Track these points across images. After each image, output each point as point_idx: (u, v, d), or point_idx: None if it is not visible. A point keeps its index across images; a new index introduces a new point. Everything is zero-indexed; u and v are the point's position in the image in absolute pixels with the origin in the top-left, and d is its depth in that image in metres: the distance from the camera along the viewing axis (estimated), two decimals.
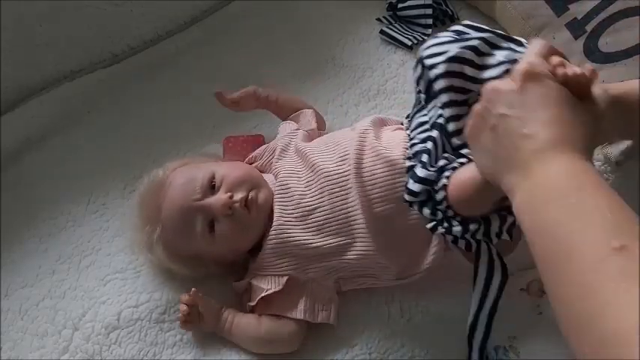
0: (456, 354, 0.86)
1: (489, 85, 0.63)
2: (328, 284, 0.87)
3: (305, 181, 0.87)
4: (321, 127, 1.00)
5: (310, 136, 0.95)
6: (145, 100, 1.13)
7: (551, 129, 0.57)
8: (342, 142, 0.87)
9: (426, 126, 0.79)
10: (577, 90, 0.60)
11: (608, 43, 1.00)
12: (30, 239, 1.00)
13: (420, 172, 0.75)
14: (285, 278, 0.85)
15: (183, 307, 0.86)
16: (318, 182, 0.85)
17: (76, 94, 1.15)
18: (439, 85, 0.72)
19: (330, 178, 0.85)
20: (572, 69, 0.60)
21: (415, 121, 0.81)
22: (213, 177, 0.87)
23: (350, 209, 0.83)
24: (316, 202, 0.85)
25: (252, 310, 0.88)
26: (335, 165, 0.85)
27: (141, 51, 1.20)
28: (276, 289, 0.85)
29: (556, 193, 0.54)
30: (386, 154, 0.82)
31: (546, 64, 0.62)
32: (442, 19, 1.17)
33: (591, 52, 1.01)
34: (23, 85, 1.13)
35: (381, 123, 0.90)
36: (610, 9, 1.00)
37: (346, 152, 0.85)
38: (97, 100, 1.14)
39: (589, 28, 1.01)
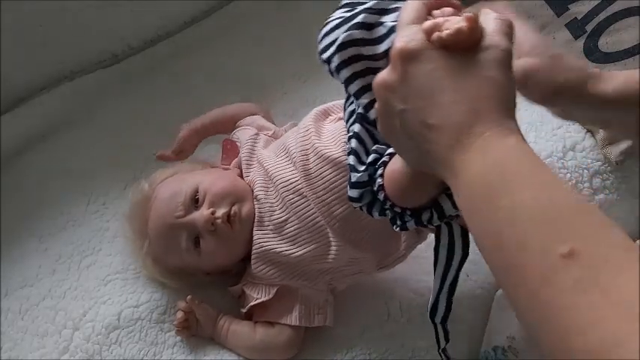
0: (457, 354, 0.86)
1: (376, 81, 0.54)
2: (320, 287, 0.86)
3: (272, 193, 0.85)
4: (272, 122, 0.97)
5: (275, 136, 0.93)
6: (145, 100, 1.13)
7: (456, 111, 0.49)
8: (290, 146, 0.84)
9: (355, 115, 0.72)
10: (463, 46, 0.50)
11: (608, 43, 1.00)
12: (30, 239, 1.00)
13: (352, 176, 0.69)
14: (276, 288, 0.85)
15: (180, 314, 0.86)
16: (280, 194, 0.84)
17: (76, 94, 1.14)
18: (343, 76, 0.65)
19: (287, 188, 0.83)
20: (446, 30, 0.50)
21: (347, 111, 0.74)
22: (196, 191, 0.86)
23: (314, 216, 0.81)
24: (284, 215, 0.83)
25: (247, 316, 0.88)
26: (289, 173, 0.83)
27: (141, 51, 1.20)
28: (266, 298, 0.85)
29: (484, 196, 0.47)
30: (328, 154, 0.79)
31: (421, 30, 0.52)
32: None
33: (591, 52, 1.01)
34: (23, 85, 1.13)
35: (323, 115, 0.85)
36: (610, 9, 1.00)
37: (294, 157, 0.83)
38: (97, 100, 1.14)
39: (589, 28, 1.01)
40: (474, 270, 0.87)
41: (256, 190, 0.87)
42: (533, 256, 0.43)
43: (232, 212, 0.84)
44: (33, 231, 1.01)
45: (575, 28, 1.03)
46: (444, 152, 0.50)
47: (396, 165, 0.63)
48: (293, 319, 0.84)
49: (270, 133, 0.93)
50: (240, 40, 1.20)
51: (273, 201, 0.85)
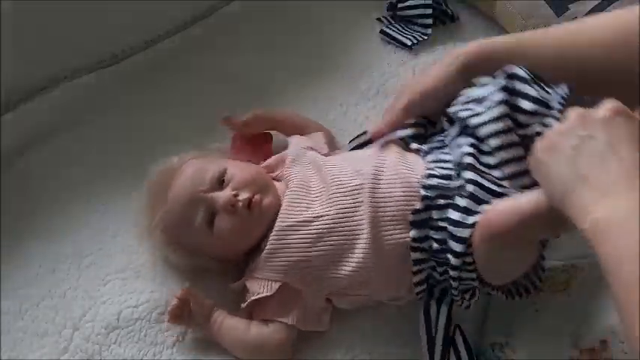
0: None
1: (575, 112, 0.65)
2: (321, 295, 0.86)
3: (316, 190, 0.87)
4: (333, 149, 0.98)
5: (327, 155, 0.94)
6: (145, 100, 1.13)
7: (615, 179, 0.58)
8: (362, 158, 0.87)
9: (450, 164, 0.80)
10: None
11: None
12: (30, 239, 1.00)
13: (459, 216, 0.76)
14: (278, 284, 0.85)
15: (174, 301, 0.86)
16: (329, 192, 0.85)
17: (76, 94, 1.14)
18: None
19: (342, 188, 0.84)
20: None
21: (436, 154, 0.83)
22: (224, 172, 0.88)
23: (356, 222, 0.82)
24: (323, 210, 0.84)
25: (247, 313, 0.87)
26: (349, 177, 0.85)
27: (141, 51, 1.20)
28: (267, 293, 0.84)
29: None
30: (406, 174, 0.82)
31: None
32: (442, 19, 1.17)
33: None
34: (23, 85, 1.13)
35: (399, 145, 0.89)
36: (610, 9, 1.00)
37: (363, 167, 0.85)
38: (97, 101, 1.14)
39: None
40: None
41: (294, 185, 0.88)
42: None
43: (255, 199, 0.86)
44: (33, 231, 1.01)
45: None
46: (614, 178, 0.58)
47: (507, 203, 0.73)
48: (290, 318, 0.84)
49: (323, 152, 0.94)
50: (240, 40, 1.20)
51: (314, 197, 0.86)
